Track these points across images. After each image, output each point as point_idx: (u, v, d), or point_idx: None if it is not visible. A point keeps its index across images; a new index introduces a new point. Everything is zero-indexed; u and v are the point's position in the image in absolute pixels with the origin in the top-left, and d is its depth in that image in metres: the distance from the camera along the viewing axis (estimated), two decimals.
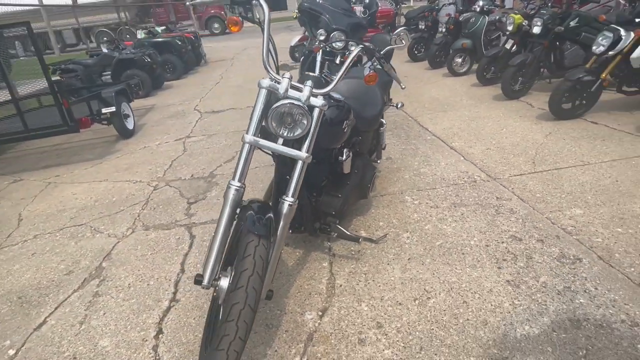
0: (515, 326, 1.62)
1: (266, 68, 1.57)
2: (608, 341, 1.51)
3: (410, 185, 2.88)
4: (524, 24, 4.51)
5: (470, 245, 2.15)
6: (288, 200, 1.56)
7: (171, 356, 1.67)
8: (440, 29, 6.78)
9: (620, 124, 3.57)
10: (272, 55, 1.65)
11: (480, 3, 5.68)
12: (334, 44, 4.53)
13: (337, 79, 1.60)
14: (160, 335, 1.78)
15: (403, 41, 2.04)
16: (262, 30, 1.58)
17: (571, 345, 1.51)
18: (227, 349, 1.25)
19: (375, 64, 2.11)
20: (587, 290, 1.76)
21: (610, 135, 3.35)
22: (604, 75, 3.45)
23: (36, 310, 2.03)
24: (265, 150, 1.58)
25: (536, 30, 4.23)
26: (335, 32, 4.53)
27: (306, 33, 8.85)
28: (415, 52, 7.65)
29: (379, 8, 9.31)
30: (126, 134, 4.75)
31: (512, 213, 2.41)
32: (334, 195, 2.05)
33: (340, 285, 1.96)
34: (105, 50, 7.13)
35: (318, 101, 1.54)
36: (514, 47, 4.80)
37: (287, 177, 1.81)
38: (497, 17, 5.73)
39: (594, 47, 3.42)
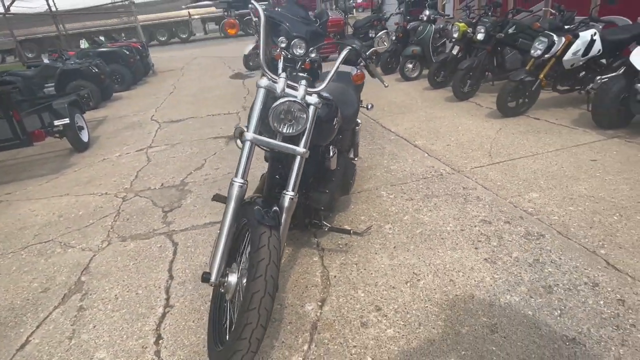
0: (498, 296, 1.80)
1: (264, 68, 1.63)
2: (576, 301, 1.73)
3: (383, 181, 3.05)
4: (468, 31, 4.92)
5: (447, 231, 2.34)
6: (289, 194, 1.63)
7: (176, 359, 1.66)
8: (392, 37, 7.14)
9: (558, 118, 4.01)
10: (267, 56, 1.71)
11: (427, 12, 6.10)
12: (294, 51, 4.65)
13: (328, 79, 1.71)
14: (160, 341, 1.76)
15: (385, 43, 2.19)
16: (258, 32, 1.65)
17: (547, 308, 1.71)
18: (250, 337, 1.29)
19: (362, 64, 2.24)
20: (553, 261, 2.00)
21: (550, 129, 3.76)
22: (542, 76, 3.87)
23: (15, 331, 1.91)
24: (264, 147, 1.64)
25: (480, 36, 4.64)
26: (295, 40, 4.65)
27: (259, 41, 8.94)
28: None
29: (329, 18, 9.60)
30: (81, 146, 4.51)
31: (479, 200, 2.64)
32: (321, 191, 2.14)
33: (335, 277, 2.05)
34: (46, 60, 6.70)
35: (313, 99, 1.63)
36: (459, 53, 5.22)
37: (278, 174, 1.89)
38: (443, 26, 6.17)
39: (532, 51, 3.84)
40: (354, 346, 1.62)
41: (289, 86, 1.64)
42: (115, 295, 2.09)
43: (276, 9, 4.88)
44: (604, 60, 4.01)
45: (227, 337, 1.60)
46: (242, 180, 1.56)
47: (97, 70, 6.69)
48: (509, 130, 3.83)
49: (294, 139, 1.65)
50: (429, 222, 2.45)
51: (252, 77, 8.28)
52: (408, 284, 1.94)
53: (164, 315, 1.91)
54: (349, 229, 2.14)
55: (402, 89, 6.00)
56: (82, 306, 2.03)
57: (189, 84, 8.28)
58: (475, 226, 2.36)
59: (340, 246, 2.29)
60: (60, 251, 2.56)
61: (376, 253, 2.20)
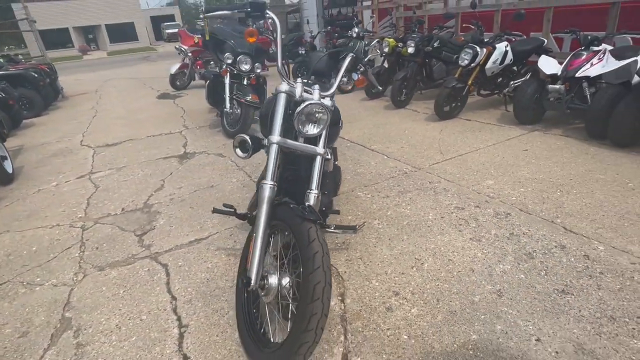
0: (493, 267, 2.06)
1: (281, 74, 1.70)
2: (554, 261, 2.06)
3: (356, 183, 3.23)
4: (399, 45, 5.43)
5: (430, 220, 2.58)
6: (314, 192, 1.71)
7: None
8: (300, 51, 7.46)
9: (485, 119, 4.61)
10: (285, 63, 1.78)
11: (356, 30, 6.54)
12: (241, 67, 4.70)
13: (336, 83, 1.83)
14: None
15: (378, 50, 2.36)
16: (275, 40, 1.72)
17: (534, 270, 2.01)
18: (315, 327, 1.33)
19: (361, 69, 2.39)
20: (524, 233, 2.33)
21: (483, 128, 4.31)
22: (470, 82, 4.43)
23: None
24: (288, 149, 1.69)
25: (411, 50, 5.15)
26: (241, 56, 4.69)
27: (185, 60, 8.72)
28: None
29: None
30: (5, 179, 3.97)
31: (446, 191, 2.95)
32: (322, 192, 2.23)
33: (345, 272, 2.14)
34: None
35: (327, 102, 1.74)
36: (390, 66, 5.71)
37: (291, 176, 1.95)
38: (376, 42, 6.65)
39: (460, 61, 4.39)
40: (387, 329, 1.73)
41: (305, 91, 1.73)
42: (117, 324, 1.92)
43: (219, 25, 4.87)
44: (515, 68, 4.73)
45: (271, 339, 1.61)
46: (272, 182, 1.60)
47: (3, 95, 5.93)
48: (449, 131, 4.30)
49: (313, 140, 1.74)
50: (411, 214, 2.67)
51: (182, 97, 8.01)
52: (414, 268, 2.11)
53: (181, 335, 1.82)
54: (354, 225, 2.26)
55: (340, 100, 6.32)
56: (79, 343, 1.83)
57: (112, 106, 7.72)
58: (452, 213, 2.64)
59: (339, 245, 2.39)
60: (25, 291, 2.26)
61: (375, 246, 2.34)
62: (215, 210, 2.28)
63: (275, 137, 1.63)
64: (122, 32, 34.11)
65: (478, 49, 4.25)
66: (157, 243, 2.63)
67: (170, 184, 3.60)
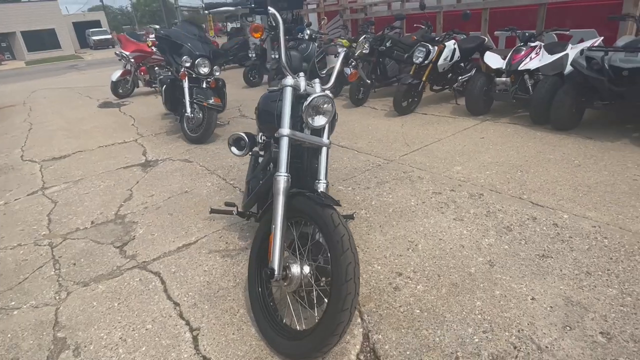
0: (479, 242, 2.25)
1: (285, 68, 1.74)
2: (530, 231, 2.30)
3: (334, 178, 3.31)
4: (353, 46, 5.62)
5: (413, 205, 2.74)
6: (323, 181, 1.77)
7: None
8: (272, 56, 7.49)
9: (440, 112, 4.94)
10: (289, 57, 1.82)
11: (308, 32, 6.66)
12: (199, 70, 4.61)
13: (333, 77, 1.90)
14: None
15: (365, 46, 2.45)
16: (278, 36, 1.75)
17: (515, 240, 2.23)
18: (350, 307, 1.39)
19: (353, 64, 2.46)
20: (499, 210, 2.57)
21: (439, 120, 4.62)
22: (424, 79, 4.73)
23: None
24: (297, 141, 1.73)
25: (365, 50, 5.36)
26: (199, 59, 4.59)
27: (127, 67, 8.27)
28: (251, 78, 8.19)
29: None
30: None
31: (421, 179, 3.14)
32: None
33: None
34: None
35: (329, 94, 1.81)
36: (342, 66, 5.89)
37: (295, 169, 1.98)
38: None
39: (414, 59, 4.66)
40: (400, 306, 1.83)
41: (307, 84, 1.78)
42: (120, 337, 1.83)
43: (173, 28, 4.71)
44: (462, 64, 5.11)
45: (297, 327, 1.64)
46: (286, 174, 1.63)
47: None
48: (410, 125, 4.55)
49: (318, 132, 1.80)
50: (394, 202, 2.81)
51: (128, 105, 7.61)
52: (410, 250, 2.24)
53: (195, 338, 1.78)
54: (351, 213, 2.34)
55: None
56: None
57: (48, 118, 7.11)
58: (431, 197, 2.82)
59: None
60: (2, 317, 2.06)
61: (368, 234, 2.44)
62: (213, 211, 2.25)
63: (286, 129, 1.66)
64: (41, 40, 31.36)
65: (430, 47, 4.55)
66: (142, 252, 2.52)
67: (139, 193, 3.43)
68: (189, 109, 4.57)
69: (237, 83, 8.43)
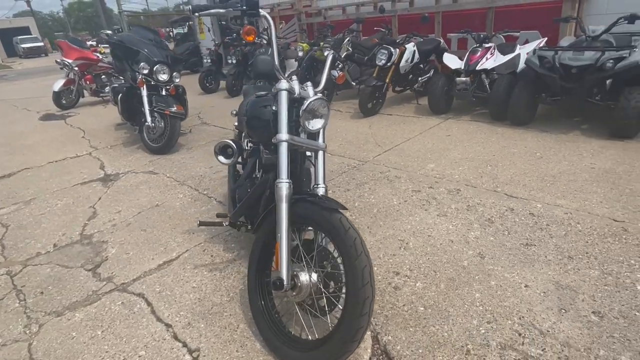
0: (466, 235, 2.33)
1: (278, 71, 1.69)
2: (510, 222, 2.41)
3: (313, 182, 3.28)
4: (314, 49, 5.64)
5: (396, 205, 2.78)
6: (321, 185, 1.73)
7: None
8: (229, 61, 7.31)
9: (403, 112, 5.07)
10: (279, 61, 1.76)
11: (266, 36, 6.59)
12: (158, 77, 4.41)
13: (323, 80, 1.87)
14: None
15: (349, 48, 2.43)
16: (270, 39, 1.69)
17: (498, 232, 2.33)
18: (369, 310, 1.37)
19: (340, 66, 2.42)
20: (478, 203, 2.67)
21: (405, 120, 4.74)
22: (388, 80, 4.84)
23: None
24: (295, 145, 1.68)
25: (349, 51, 5.38)
26: (157, 65, 4.37)
27: (70, 76, 7.70)
28: (207, 84, 7.95)
29: None
30: None
31: (399, 178, 3.20)
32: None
33: None
34: None
35: (324, 97, 1.78)
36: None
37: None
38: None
39: (377, 61, 4.76)
40: (403, 305, 1.85)
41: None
42: None
43: (127, 33, 4.45)
44: (421, 65, 5.30)
45: (309, 337, 1.60)
46: (288, 180, 1.58)
47: None
48: (377, 126, 4.63)
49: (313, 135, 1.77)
50: (376, 202, 2.84)
51: (74, 116, 7.09)
52: (402, 248, 2.27)
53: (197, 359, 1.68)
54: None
55: None
56: None
57: None
58: (411, 196, 2.88)
59: None
60: None
61: None
62: (202, 223, 2.14)
63: (285, 134, 1.61)
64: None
65: (392, 49, 4.67)
66: (119, 274, 2.34)
67: (104, 210, 3.20)
68: (149, 118, 4.33)
69: (193, 90, 8.13)
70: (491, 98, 4.21)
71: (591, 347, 1.53)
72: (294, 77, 1.74)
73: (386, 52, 4.66)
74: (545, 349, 1.54)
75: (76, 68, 7.42)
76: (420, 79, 5.26)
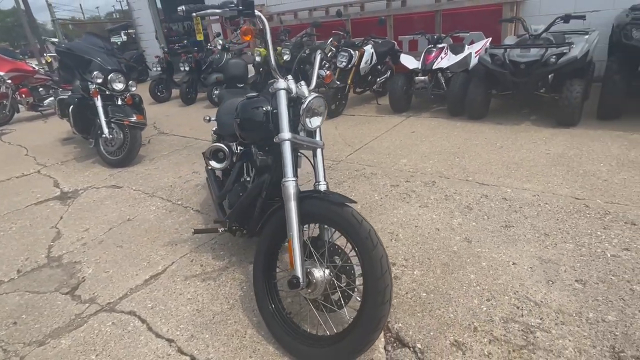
0: (450, 222, 2.45)
1: (276, 71, 1.69)
2: (487, 207, 2.58)
3: None
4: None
5: (378, 200, 2.86)
6: (322, 183, 1.75)
7: None
8: (181, 68, 7.07)
9: (366, 112, 5.22)
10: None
11: (221, 42, 6.48)
12: (113, 86, 4.21)
13: (314, 80, 1.89)
14: None
15: (333, 49, 2.44)
16: (265, 39, 1.68)
17: (479, 217, 2.48)
18: (390, 298, 1.41)
19: (326, 65, 2.42)
20: (454, 193, 2.82)
21: (369, 120, 4.88)
22: (350, 82, 4.96)
23: None
24: (296, 144, 1.69)
25: (286, 57, 5.41)
26: (112, 74, 4.15)
27: (2, 89, 7.04)
28: (158, 93, 7.63)
29: None
30: None
31: (375, 175, 3.29)
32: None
33: None
34: None
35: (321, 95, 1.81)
36: (263, 75, 5.89)
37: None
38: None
39: (338, 64, 4.86)
40: (406, 292, 1.91)
41: None
42: None
43: (76, 41, 4.17)
44: (379, 67, 5.48)
45: (326, 332, 1.60)
46: (294, 178, 1.59)
47: None
48: (343, 126, 4.72)
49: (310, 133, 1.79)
50: (359, 199, 2.90)
51: (10, 133, 6.50)
52: (393, 240, 2.34)
53: None
54: None
55: None
56: None
57: None
58: (391, 190, 2.98)
59: None
60: None
61: None
62: (196, 231, 2.07)
63: (287, 133, 1.61)
64: None
65: (352, 51, 4.80)
66: (102, 293, 2.19)
67: (69, 229, 2.97)
68: (106, 130, 4.09)
69: (143, 99, 7.76)
70: (449, 95, 4.46)
71: (581, 311, 1.68)
72: (289, 77, 1.74)
73: (347, 54, 4.78)
74: (542, 317, 1.67)
75: (9, 81, 6.83)
76: (378, 79, 5.44)
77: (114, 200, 3.40)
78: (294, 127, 1.76)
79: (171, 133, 5.43)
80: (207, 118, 2.98)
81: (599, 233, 2.18)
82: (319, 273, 1.56)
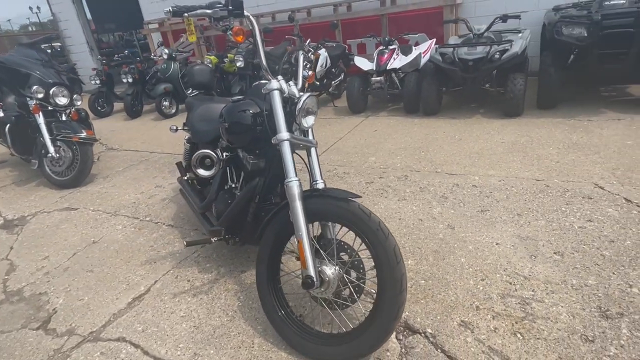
0: (430, 212, 2.56)
1: (266, 71, 1.66)
2: (461, 195, 2.73)
3: None
4: (225, 61, 5.52)
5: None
6: (320, 181, 1.75)
7: None
8: (123, 80, 6.68)
9: (324, 114, 5.28)
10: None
11: (167, 51, 6.22)
12: (57, 100, 3.91)
13: (299, 80, 1.89)
14: None
15: (319, 52, 2.40)
16: (254, 40, 1.65)
17: (455, 205, 2.61)
18: (406, 286, 1.44)
19: (309, 66, 2.37)
20: (427, 184, 2.95)
21: (329, 122, 4.94)
22: (306, 85, 4.98)
23: None
24: (296, 142, 1.67)
25: (240, 64, 5.33)
26: (54, 88, 3.82)
27: None
28: (98, 107, 7.14)
29: None
30: None
31: (347, 174, 3.34)
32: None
33: None
34: None
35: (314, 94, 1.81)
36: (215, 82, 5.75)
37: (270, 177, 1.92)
38: (189, 62, 6.43)
39: None
40: None
41: None
42: None
43: (10, 54, 3.78)
44: (333, 70, 5.58)
45: (343, 329, 1.60)
46: (297, 178, 1.57)
47: None
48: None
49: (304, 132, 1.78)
50: None
51: None
52: None
53: None
54: None
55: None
56: None
57: None
58: (367, 187, 3.04)
59: None
60: None
61: None
62: (188, 244, 1.96)
63: (285, 133, 1.59)
64: None
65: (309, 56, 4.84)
66: (80, 323, 2.00)
67: (24, 259, 2.69)
68: (51, 149, 3.76)
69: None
70: (405, 94, 4.65)
71: (565, 279, 1.84)
72: (280, 77, 1.73)
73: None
74: (534, 289, 1.80)
75: None
76: (333, 82, 5.54)
77: (71, 224, 3.13)
78: (288, 127, 1.75)
79: (122, 148, 5.10)
80: (174, 128, 2.86)
81: (563, 209, 2.40)
82: (330, 270, 1.56)
